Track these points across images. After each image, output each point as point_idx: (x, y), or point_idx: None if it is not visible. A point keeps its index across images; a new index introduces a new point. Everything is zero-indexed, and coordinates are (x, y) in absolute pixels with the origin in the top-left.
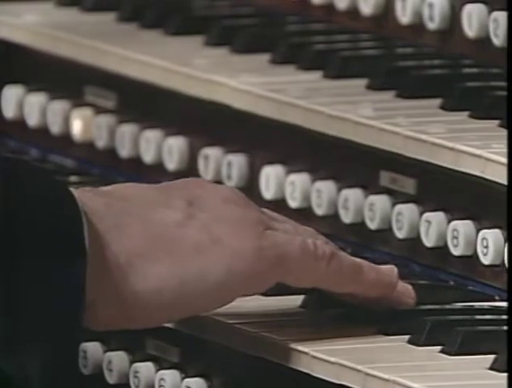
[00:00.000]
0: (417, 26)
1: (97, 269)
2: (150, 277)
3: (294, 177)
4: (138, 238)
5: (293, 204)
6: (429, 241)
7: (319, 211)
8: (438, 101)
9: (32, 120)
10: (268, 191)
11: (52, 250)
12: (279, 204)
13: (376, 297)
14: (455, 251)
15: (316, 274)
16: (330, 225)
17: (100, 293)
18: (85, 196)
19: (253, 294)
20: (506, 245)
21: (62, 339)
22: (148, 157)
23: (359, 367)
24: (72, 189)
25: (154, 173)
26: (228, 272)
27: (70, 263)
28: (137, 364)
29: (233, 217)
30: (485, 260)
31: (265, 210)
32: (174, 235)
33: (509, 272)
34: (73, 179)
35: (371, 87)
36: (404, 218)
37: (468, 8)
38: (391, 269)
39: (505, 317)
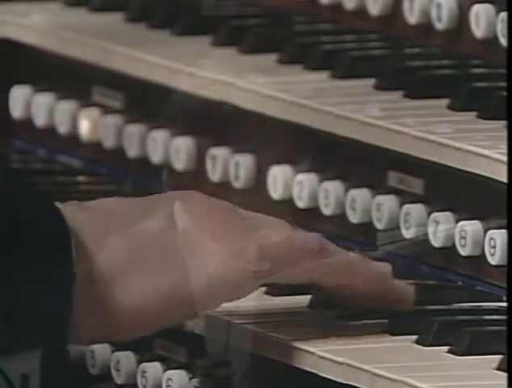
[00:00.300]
0: (425, 26)
1: (82, 284)
2: (133, 290)
3: (301, 177)
4: (120, 251)
5: (300, 204)
6: (436, 241)
7: (326, 211)
8: (445, 101)
9: (40, 120)
10: (276, 192)
11: (40, 265)
12: (287, 205)
13: (371, 291)
14: (463, 252)
15: (306, 267)
16: (338, 225)
17: (85, 306)
18: (70, 210)
19: (241, 298)
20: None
21: (51, 350)
22: (155, 157)
23: (366, 367)
24: (58, 204)
25: (161, 173)
26: (212, 280)
27: (59, 278)
28: (145, 364)
29: (217, 226)
30: (493, 260)
31: (248, 213)
32: (156, 246)
33: (508, 271)
34: (80, 179)
35: (379, 87)
36: (412, 218)
37: (476, 8)
38: (384, 264)
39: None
